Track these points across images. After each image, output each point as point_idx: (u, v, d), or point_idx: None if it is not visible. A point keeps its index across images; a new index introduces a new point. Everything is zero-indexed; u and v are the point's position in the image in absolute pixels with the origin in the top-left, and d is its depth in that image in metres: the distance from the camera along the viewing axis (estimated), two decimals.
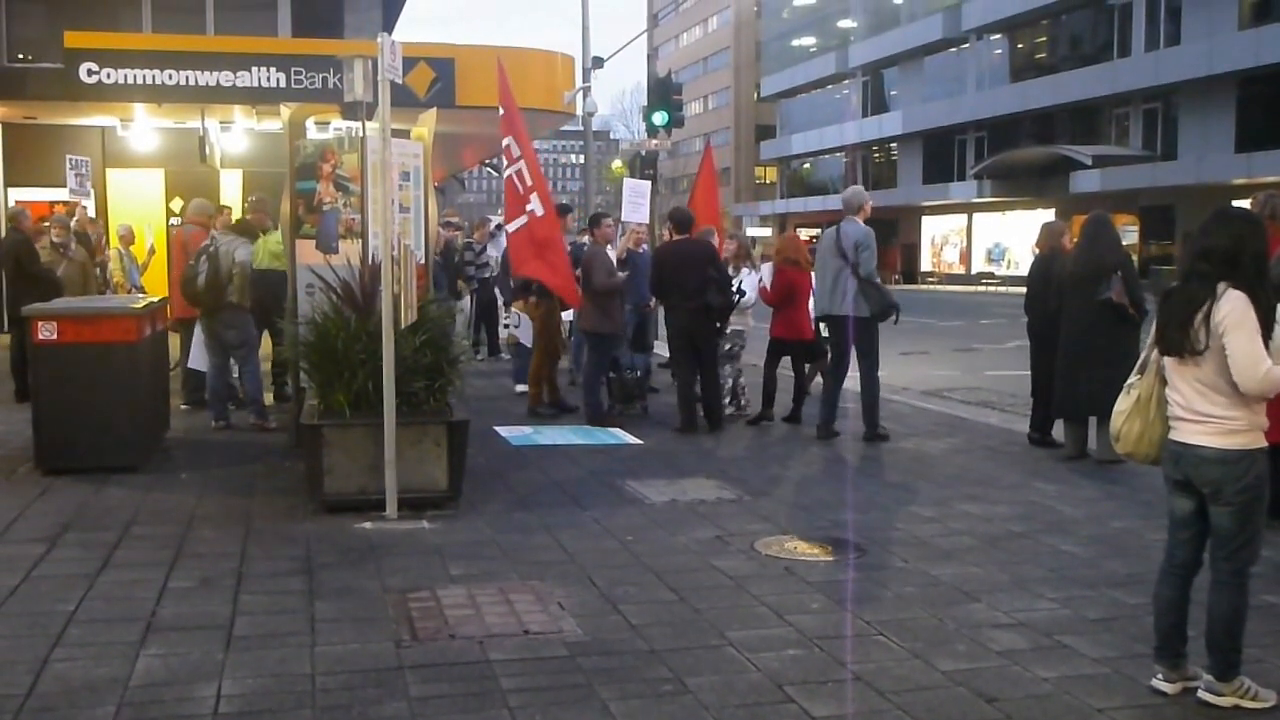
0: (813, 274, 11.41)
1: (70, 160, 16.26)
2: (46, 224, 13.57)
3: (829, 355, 11.42)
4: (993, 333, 24.92)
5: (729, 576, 6.43)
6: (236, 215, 13.26)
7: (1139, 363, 4.99)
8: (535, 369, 12.48)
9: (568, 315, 13.56)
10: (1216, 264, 4.54)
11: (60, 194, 17.66)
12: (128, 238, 15.69)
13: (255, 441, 10.42)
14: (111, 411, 8.89)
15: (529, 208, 11.30)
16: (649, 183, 15.77)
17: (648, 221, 14.69)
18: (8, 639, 5.32)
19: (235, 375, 11.60)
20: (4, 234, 13.96)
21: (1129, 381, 5.01)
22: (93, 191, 17.24)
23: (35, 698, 4.65)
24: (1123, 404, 4.99)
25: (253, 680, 4.84)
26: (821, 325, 11.35)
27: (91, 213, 17.09)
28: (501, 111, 11.57)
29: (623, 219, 13.65)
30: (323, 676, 4.88)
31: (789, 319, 11.77)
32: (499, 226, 17.98)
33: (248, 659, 5.08)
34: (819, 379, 12.02)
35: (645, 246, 13.72)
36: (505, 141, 11.48)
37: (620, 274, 11.89)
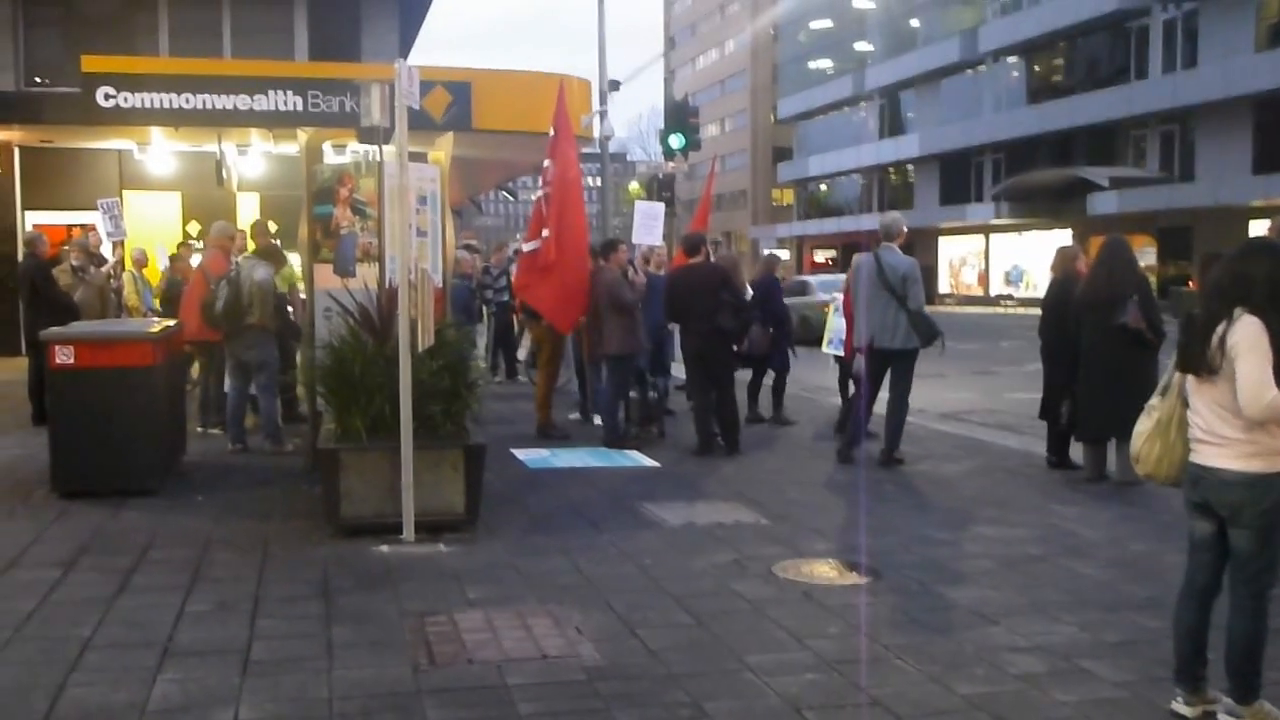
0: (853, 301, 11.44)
1: (102, 205, 15.78)
2: (67, 248, 13.61)
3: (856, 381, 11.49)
4: (1012, 355, 24.79)
5: (747, 600, 6.41)
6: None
7: (1161, 384, 5.00)
8: (544, 391, 12.52)
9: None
10: (1236, 288, 4.55)
11: (76, 217, 17.70)
12: (141, 261, 15.70)
13: (272, 465, 10.42)
14: (128, 435, 8.91)
15: (545, 233, 11.43)
16: (662, 205, 15.77)
17: (662, 244, 14.72)
18: (25, 664, 5.32)
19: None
20: (21, 258, 14.00)
21: (1150, 403, 5.03)
22: (127, 230, 16.99)
23: None
24: (1143, 425, 5.01)
25: (270, 705, 4.83)
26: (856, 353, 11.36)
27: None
28: (552, 133, 11.70)
29: (634, 240, 13.69)
30: (340, 701, 4.88)
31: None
32: (518, 250, 18.06)
33: (265, 684, 5.08)
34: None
35: (664, 270, 13.73)
36: (546, 163, 11.63)
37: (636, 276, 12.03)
